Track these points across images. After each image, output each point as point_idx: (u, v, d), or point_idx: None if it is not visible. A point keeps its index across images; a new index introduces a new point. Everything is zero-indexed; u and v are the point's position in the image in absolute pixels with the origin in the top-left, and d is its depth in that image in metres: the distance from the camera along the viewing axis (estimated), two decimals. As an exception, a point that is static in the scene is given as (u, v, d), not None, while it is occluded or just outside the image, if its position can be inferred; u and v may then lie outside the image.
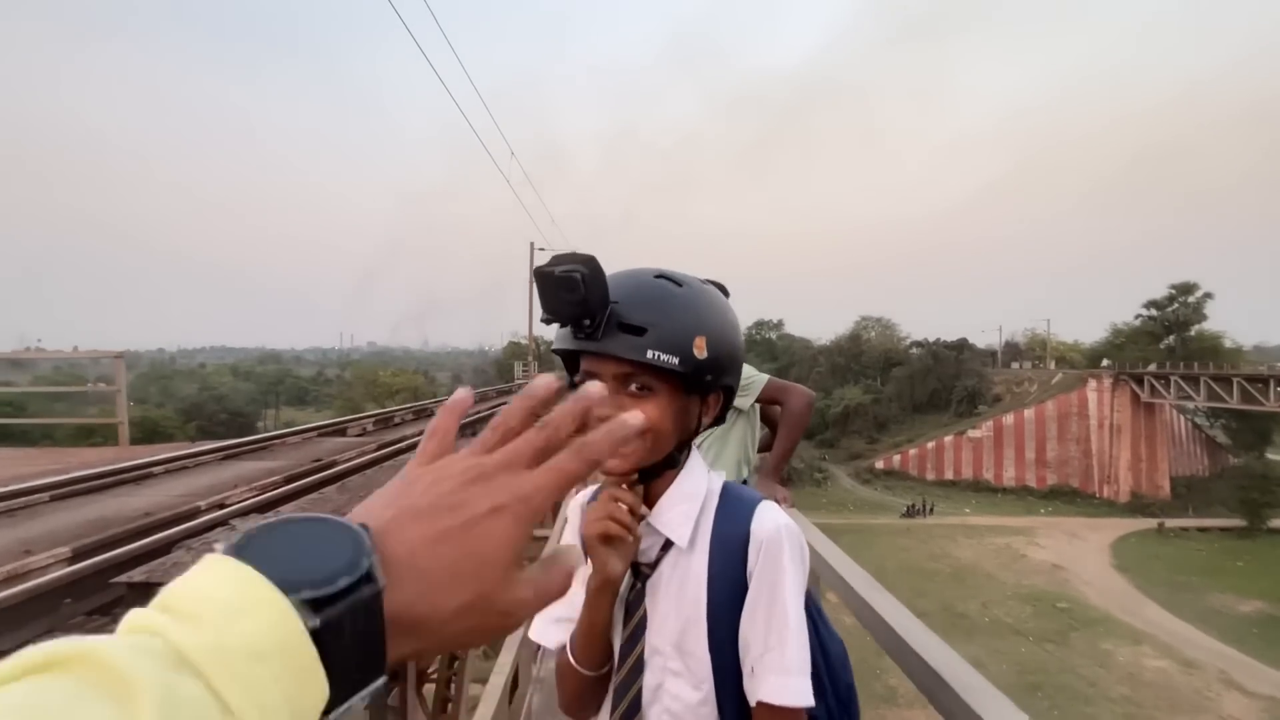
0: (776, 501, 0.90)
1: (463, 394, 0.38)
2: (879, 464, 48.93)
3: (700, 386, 0.82)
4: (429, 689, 7.34)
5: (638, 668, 0.84)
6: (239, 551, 0.26)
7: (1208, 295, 49.27)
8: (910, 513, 40.32)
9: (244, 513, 3.22)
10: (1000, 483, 45.80)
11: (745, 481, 2.89)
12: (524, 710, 2.14)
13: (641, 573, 0.86)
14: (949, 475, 46.95)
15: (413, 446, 6.02)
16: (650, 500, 0.85)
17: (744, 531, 0.83)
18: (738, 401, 2.42)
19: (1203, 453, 49.32)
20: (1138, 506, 41.70)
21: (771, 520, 0.83)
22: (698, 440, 0.90)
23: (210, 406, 57.08)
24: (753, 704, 0.79)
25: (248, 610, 0.24)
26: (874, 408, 53.03)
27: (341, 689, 0.26)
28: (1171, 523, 38.37)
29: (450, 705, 6.54)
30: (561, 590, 0.35)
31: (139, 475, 4.20)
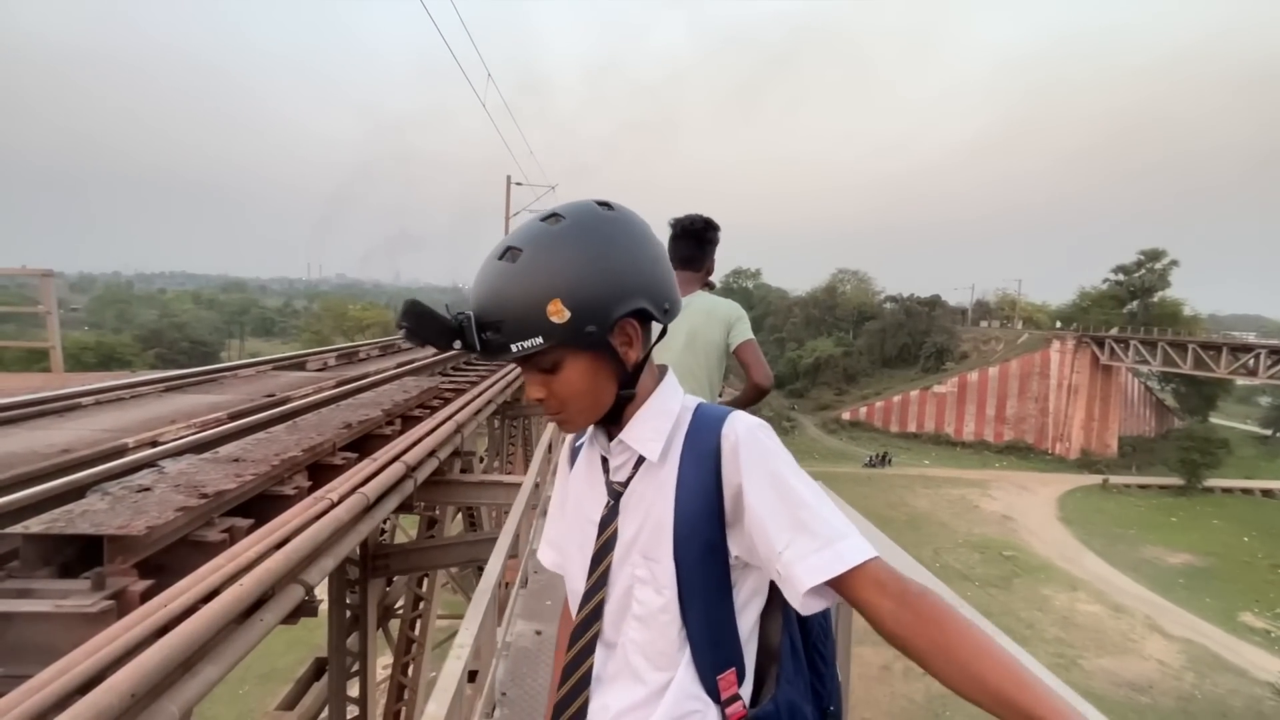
0: None
1: None
2: (846, 415, 50.01)
3: (589, 340, 0.78)
4: (394, 624, 7.33)
5: (603, 580, 0.87)
6: None
7: (1174, 263, 50.31)
8: (873, 463, 41.56)
9: (177, 452, 2.94)
10: (960, 437, 47.34)
11: None
12: (488, 680, 1.98)
13: (615, 490, 0.88)
14: (912, 428, 48.30)
15: (375, 384, 5.73)
16: (624, 422, 0.87)
17: (714, 440, 0.83)
18: (715, 334, 2.29)
19: (1151, 415, 51.48)
20: (1086, 463, 43.60)
21: (742, 423, 0.83)
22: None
23: (171, 334, 55.11)
24: (802, 604, 0.75)
25: None
26: (844, 360, 53.72)
27: None
28: (1116, 479, 40.33)
29: (414, 646, 6.53)
30: None
31: (65, 406, 3.84)
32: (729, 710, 0.83)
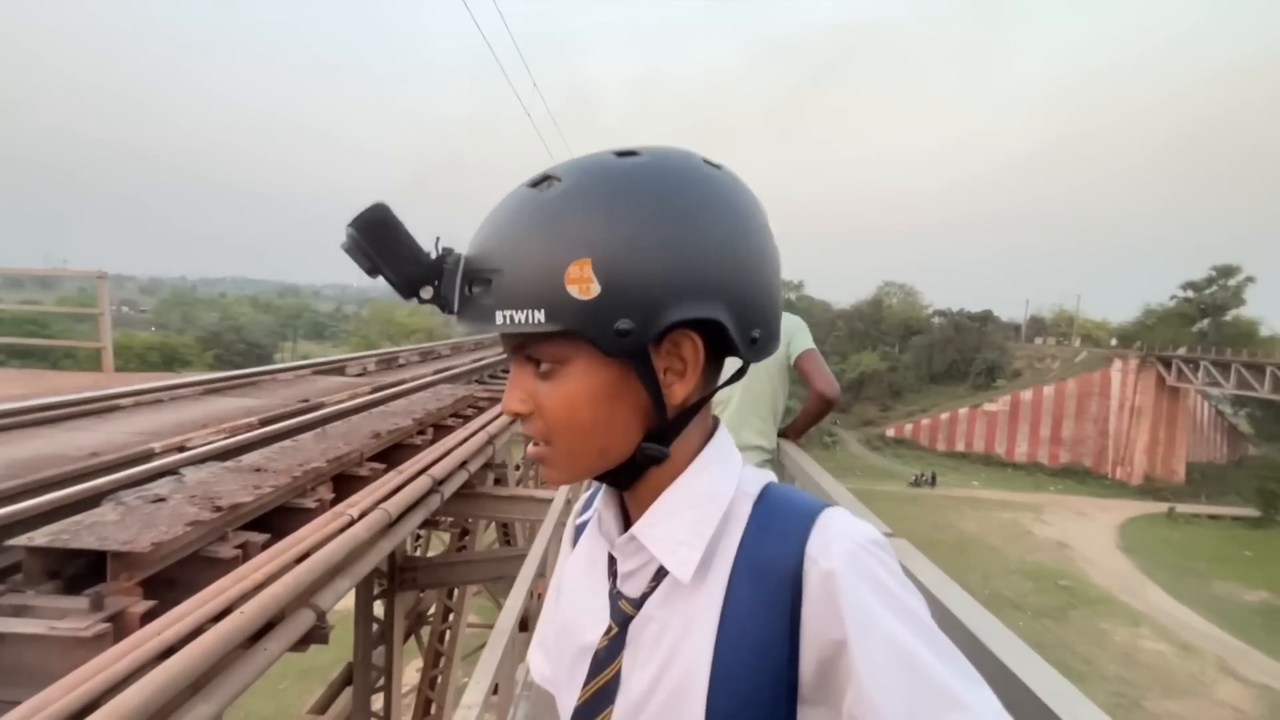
0: None
1: None
2: (890, 432, 48.62)
3: (617, 342, 0.47)
4: (424, 632, 7.27)
5: None
6: None
7: (1249, 279, 47.39)
8: (918, 482, 40.22)
9: (201, 459, 2.88)
10: (1012, 458, 45.39)
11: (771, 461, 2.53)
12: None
13: (621, 611, 0.56)
14: (960, 447, 46.58)
15: (410, 391, 5.70)
16: (643, 505, 0.55)
17: (793, 560, 0.49)
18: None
19: (1222, 440, 48.35)
20: (1149, 490, 41.20)
21: (841, 539, 0.48)
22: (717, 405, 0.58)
23: (229, 336, 57.72)
24: None
25: None
26: (890, 375, 52.42)
27: None
28: (1183, 508, 37.89)
29: (443, 659, 6.44)
30: None
31: (104, 408, 3.88)
32: None
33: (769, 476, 0.57)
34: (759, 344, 0.53)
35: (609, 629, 0.56)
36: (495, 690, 1.71)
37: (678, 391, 0.52)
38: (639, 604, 0.55)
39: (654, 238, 0.48)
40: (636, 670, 0.54)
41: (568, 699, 0.60)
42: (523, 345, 0.52)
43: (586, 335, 0.48)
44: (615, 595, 0.57)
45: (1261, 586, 28.52)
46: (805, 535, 0.50)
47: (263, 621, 1.78)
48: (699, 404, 0.54)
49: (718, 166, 0.53)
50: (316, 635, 2.04)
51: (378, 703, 5.02)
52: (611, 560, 0.59)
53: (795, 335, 2.28)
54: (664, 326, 0.48)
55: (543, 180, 0.51)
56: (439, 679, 6.15)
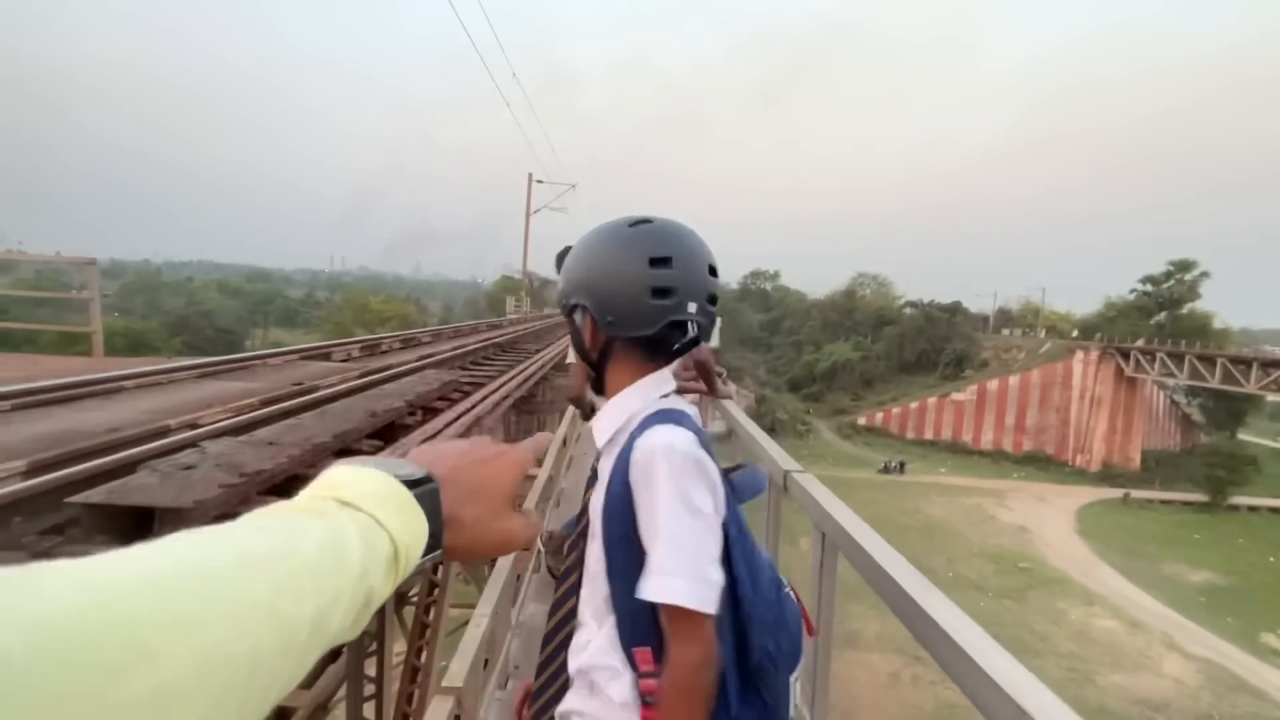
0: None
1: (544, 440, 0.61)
2: (862, 420, 49.64)
3: (565, 309, 1.00)
4: (408, 611, 7.50)
5: (584, 532, 1.00)
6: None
7: (1204, 274, 49.24)
8: (887, 469, 41.23)
9: (217, 434, 3.11)
10: (978, 445, 46.75)
11: None
12: (502, 656, 2.10)
13: (594, 467, 1.02)
14: (929, 435, 47.80)
15: (398, 376, 5.91)
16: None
17: (629, 444, 0.91)
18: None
19: (1176, 429, 50.40)
20: (1107, 476, 42.82)
21: (651, 441, 0.89)
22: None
23: (197, 322, 56.24)
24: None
25: (365, 479, 0.40)
26: (862, 365, 53.37)
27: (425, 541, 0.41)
28: (1137, 494, 39.50)
29: (429, 630, 6.69)
30: (536, 532, 0.53)
31: (109, 389, 4.05)
32: (644, 682, 0.89)
33: (685, 407, 0.98)
34: (614, 325, 0.95)
35: (592, 467, 1.04)
36: (483, 661, 1.99)
37: (587, 339, 0.99)
38: (598, 459, 1.03)
39: (577, 264, 0.98)
40: (595, 493, 0.99)
41: None
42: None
43: (560, 304, 1.01)
44: (595, 457, 1.04)
45: (1206, 567, 30.03)
46: (639, 436, 0.91)
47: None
48: (604, 352, 0.99)
49: (636, 224, 0.97)
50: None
51: (369, 670, 5.27)
52: None
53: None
54: (571, 304, 0.99)
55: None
56: (424, 650, 6.41)
